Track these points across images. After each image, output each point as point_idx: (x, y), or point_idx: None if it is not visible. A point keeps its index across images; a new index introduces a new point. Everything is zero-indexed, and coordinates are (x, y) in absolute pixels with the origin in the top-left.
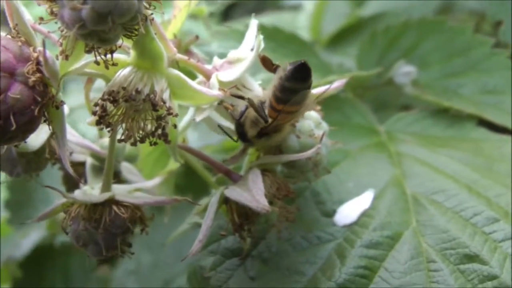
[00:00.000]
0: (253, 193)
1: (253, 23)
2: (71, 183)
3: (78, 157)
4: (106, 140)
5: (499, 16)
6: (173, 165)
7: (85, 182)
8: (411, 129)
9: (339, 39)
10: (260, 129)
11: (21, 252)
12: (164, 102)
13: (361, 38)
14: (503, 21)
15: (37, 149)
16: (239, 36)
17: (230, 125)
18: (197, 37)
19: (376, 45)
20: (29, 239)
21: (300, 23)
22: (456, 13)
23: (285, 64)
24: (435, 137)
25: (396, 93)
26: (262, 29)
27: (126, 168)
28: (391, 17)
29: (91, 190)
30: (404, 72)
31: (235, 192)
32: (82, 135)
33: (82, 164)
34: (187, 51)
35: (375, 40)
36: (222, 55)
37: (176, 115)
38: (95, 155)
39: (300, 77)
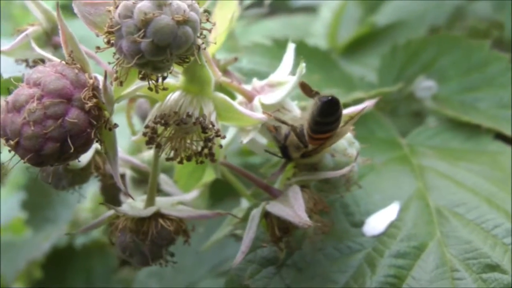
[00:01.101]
0: (295, 208)
1: (291, 46)
2: (110, 195)
3: (119, 170)
4: (145, 154)
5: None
6: (208, 177)
7: (125, 194)
8: (432, 142)
9: (355, 47)
10: (302, 152)
11: (40, 253)
12: (213, 125)
13: (378, 48)
14: None
15: (84, 165)
16: (265, 51)
17: (266, 142)
18: (236, 58)
19: (396, 59)
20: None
21: (315, 30)
22: (465, 20)
23: (318, 96)
24: (454, 150)
25: (414, 104)
26: (287, 43)
27: (163, 180)
28: (406, 27)
29: (135, 203)
30: (425, 86)
31: (276, 208)
32: None
33: (121, 176)
34: (225, 71)
35: (395, 54)
36: (251, 71)
37: (224, 137)
38: (134, 167)
39: (329, 112)
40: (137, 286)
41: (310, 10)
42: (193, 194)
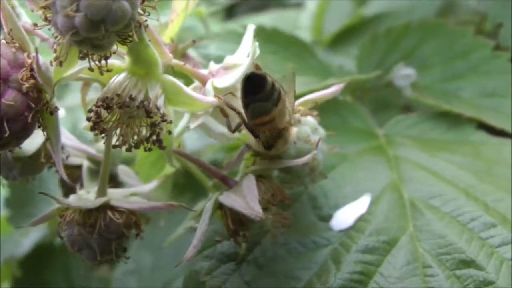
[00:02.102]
0: (247, 199)
1: (250, 27)
2: (68, 187)
3: (75, 160)
4: (102, 144)
5: (499, 19)
6: (170, 169)
7: (82, 185)
8: (410, 132)
9: (341, 39)
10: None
11: (21, 251)
12: (158, 109)
13: (361, 38)
14: (503, 23)
15: (32, 153)
16: (237, 38)
17: (224, 129)
18: (194, 41)
19: (377, 47)
20: (30, 238)
21: (302, 22)
22: (458, 13)
23: None
24: (434, 141)
25: (397, 94)
26: (261, 30)
27: (123, 171)
28: (393, 17)
29: (87, 195)
30: (404, 74)
31: (229, 198)
32: (82, 135)
33: (79, 167)
34: (183, 55)
35: (376, 42)
36: (220, 58)
37: (170, 122)
38: (91, 158)
39: (251, 89)
40: (115, 285)
41: (303, 6)
42: (151, 185)
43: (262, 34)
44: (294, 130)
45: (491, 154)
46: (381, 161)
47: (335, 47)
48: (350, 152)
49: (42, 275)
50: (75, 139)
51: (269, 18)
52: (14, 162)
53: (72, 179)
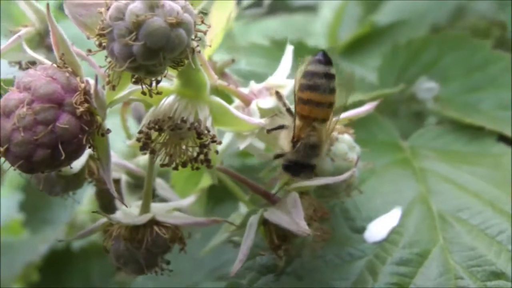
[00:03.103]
0: (293, 216)
1: (289, 49)
2: (105, 200)
3: (113, 174)
4: (141, 159)
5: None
6: (205, 182)
7: (120, 201)
8: (434, 144)
9: (355, 47)
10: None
11: (37, 256)
12: (209, 131)
13: (378, 48)
14: None
15: (77, 171)
16: (263, 52)
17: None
18: (233, 60)
19: (397, 59)
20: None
21: (315, 29)
22: (468, 18)
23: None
24: (456, 153)
25: (420, 106)
26: (286, 43)
27: (159, 184)
28: (407, 26)
29: (130, 210)
30: (427, 88)
31: (274, 215)
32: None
33: (117, 181)
34: (222, 73)
35: (396, 54)
36: (249, 73)
37: (220, 143)
38: (130, 172)
39: (322, 60)
40: None
41: (309, 9)
42: (190, 199)
43: (284, 46)
44: (329, 147)
45: (510, 165)
46: (408, 174)
47: (350, 56)
48: (378, 165)
49: (61, 279)
50: (114, 155)
51: (277, 23)
52: (57, 179)
53: (109, 193)
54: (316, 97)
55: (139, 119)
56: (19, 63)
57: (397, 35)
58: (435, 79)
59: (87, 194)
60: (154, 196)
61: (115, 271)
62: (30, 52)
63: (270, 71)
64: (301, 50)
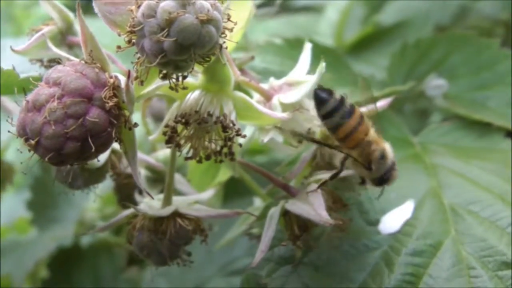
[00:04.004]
0: (315, 207)
1: (307, 46)
2: (124, 194)
3: None
4: (160, 153)
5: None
6: (222, 176)
7: (140, 192)
8: (443, 140)
9: (361, 47)
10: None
11: (46, 252)
12: (234, 124)
13: (384, 47)
14: None
15: (101, 165)
16: (277, 50)
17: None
18: (252, 57)
19: (406, 57)
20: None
21: (321, 29)
22: (471, 18)
23: None
24: (466, 148)
25: (429, 103)
26: (299, 42)
27: (176, 179)
28: (411, 26)
29: (152, 202)
30: (436, 85)
31: (295, 206)
32: None
33: None
34: (241, 70)
35: (405, 52)
36: (264, 70)
37: (244, 136)
38: (149, 167)
39: (320, 101)
40: (145, 286)
41: (312, 9)
42: (209, 193)
43: (299, 45)
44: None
45: None
46: (420, 169)
47: (356, 55)
48: None
49: (70, 276)
50: None
51: (280, 24)
52: (80, 173)
53: (130, 187)
54: (348, 127)
55: (155, 116)
56: (41, 61)
57: (401, 35)
58: (443, 77)
59: (95, 192)
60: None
61: (125, 268)
62: (55, 49)
63: (284, 68)
64: (313, 48)
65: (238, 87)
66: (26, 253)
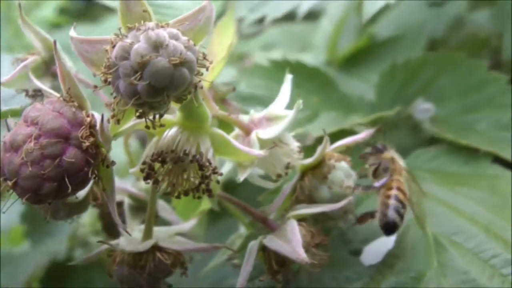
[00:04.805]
0: (293, 244)
1: (288, 78)
2: (108, 221)
3: (116, 197)
4: (143, 183)
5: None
6: (206, 205)
7: (123, 222)
8: (430, 165)
9: (355, 61)
10: None
11: (41, 267)
12: (210, 163)
13: (377, 62)
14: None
15: (82, 198)
16: (264, 72)
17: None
18: (234, 88)
19: (395, 78)
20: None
21: (315, 41)
22: (466, 28)
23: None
24: (452, 174)
25: (417, 127)
26: (286, 64)
27: (161, 206)
28: (406, 40)
29: (133, 234)
30: (423, 109)
31: (274, 242)
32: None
33: (119, 204)
34: (223, 100)
35: (394, 73)
36: (250, 96)
37: (221, 174)
38: (132, 196)
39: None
40: None
41: (310, 18)
42: (191, 223)
43: (286, 66)
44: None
45: (506, 188)
46: None
47: (349, 69)
48: (375, 186)
49: None
50: (117, 179)
51: (278, 32)
52: (62, 206)
53: None
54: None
55: (142, 140)
56: (26, 91)
57: (395, 49)
58: (432, 99)
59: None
60: (155, 217)
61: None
62: (36, 82)
63: (270, 93)
64: (300, 70)
65: (217, 120)
66: (19, 267)
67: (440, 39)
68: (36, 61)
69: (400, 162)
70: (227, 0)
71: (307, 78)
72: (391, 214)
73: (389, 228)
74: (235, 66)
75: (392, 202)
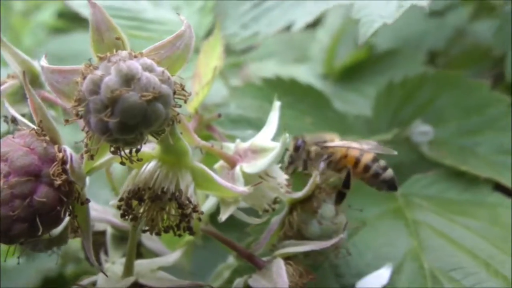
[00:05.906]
0: (277, 286)
1: (276, 105)
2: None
3: (99, 226)
4: None
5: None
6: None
7: (106, 252)
8: (427, 192)
9: (352, 73)
10: None
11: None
12: (190, 202)
13: (375, 75)
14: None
15: (59, 232)
16: (256, 92)
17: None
18: (219, 115)
19: (392, 97)
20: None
21: (312, 54)
22: (466, 40)
23: None
24: (451, 201)
25: (414, 150)
26: (279, 83)
27: (145, 235)
28: (405, 53)
29: (114, 268)
30: (421, 131)
31: (259, 283)
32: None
33: (102, 233)
34: (208, 126)
35: (391, 92)
36: (239, 117)
37: (202, 213)
38: (115, 226)
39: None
40: None
41: (308, 26)
42: (175, 255)
43: (279, 85)
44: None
45: (507, 219)
46: (400, 226)
47: (347, 82)
48: (370, 215)
49: None
50: (100, 209)
51: (276, 42)
52: (40, 240)
53: (96, 245)
54: None
55: None
56: (5, 117)
57: (395, 60)
58: (430, 120)
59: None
60: (140, 246)
61: None
62: (11, 110)
63: (261, 114)
64: (293, 89)
65: (201, 151)
66: (10, 283)
67: (441, 50)
68: (15, 85)
69: (327, 137)
70: (216, 17)
71: (300, 97)
72: (386, 175)
73: (393, 183)
74: (230, 74)
75: (373, 166)
